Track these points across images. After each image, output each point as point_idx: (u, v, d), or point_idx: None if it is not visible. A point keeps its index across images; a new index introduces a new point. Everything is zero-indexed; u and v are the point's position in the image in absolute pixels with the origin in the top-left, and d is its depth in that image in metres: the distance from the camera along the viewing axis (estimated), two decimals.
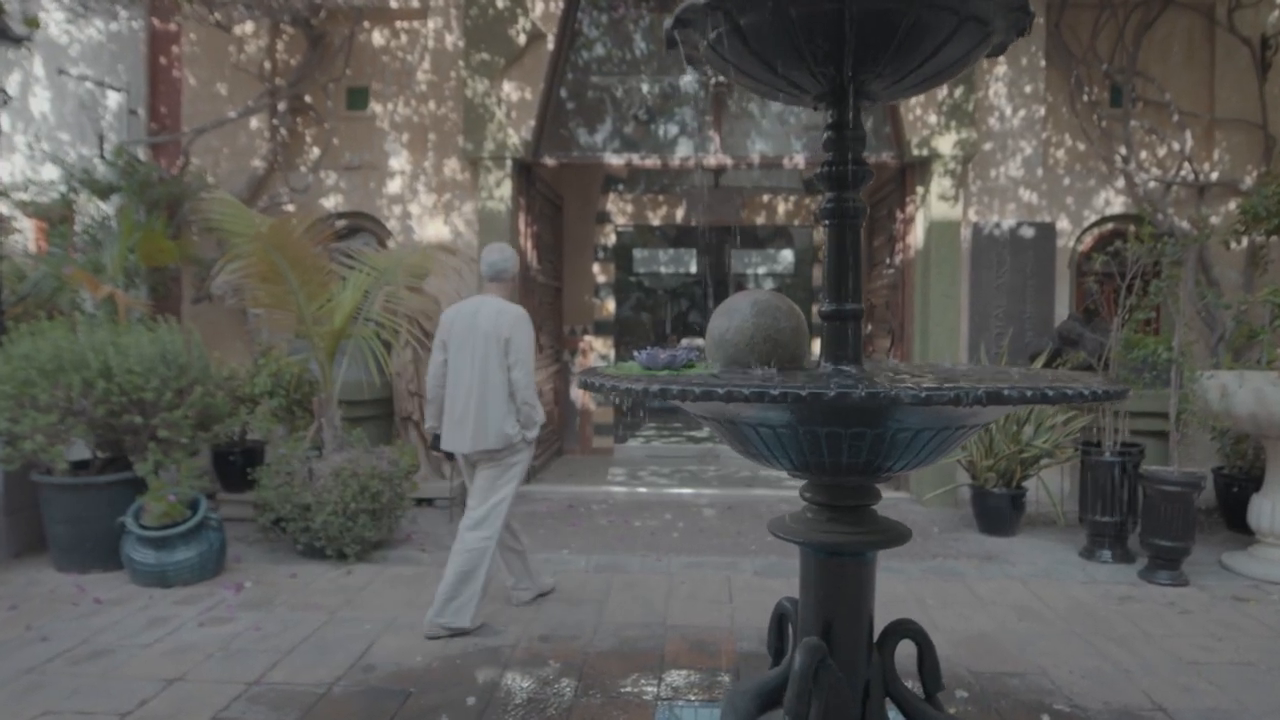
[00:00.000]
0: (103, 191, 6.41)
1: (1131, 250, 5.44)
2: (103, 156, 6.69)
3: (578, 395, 9.49)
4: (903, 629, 2.23)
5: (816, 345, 4.39)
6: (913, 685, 2.33)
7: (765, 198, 9.88)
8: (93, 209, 6.61)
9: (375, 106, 7.25)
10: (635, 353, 2.10)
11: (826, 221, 2.16)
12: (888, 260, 7.66)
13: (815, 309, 8.80)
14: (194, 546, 4.89)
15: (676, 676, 3.67)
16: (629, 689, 3.53)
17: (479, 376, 4.17)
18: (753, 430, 1.91)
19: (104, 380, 4.85)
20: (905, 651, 2.30)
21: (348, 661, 3.81)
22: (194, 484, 5.02)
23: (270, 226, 4.68)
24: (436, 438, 4.40)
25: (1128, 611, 4.55)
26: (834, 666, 2.04)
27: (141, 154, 7.09)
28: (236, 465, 6.14)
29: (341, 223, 7.31)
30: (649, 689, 3.53)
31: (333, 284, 5.52)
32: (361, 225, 7.33)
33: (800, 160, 7.13)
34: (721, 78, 6.57)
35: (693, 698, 3.47)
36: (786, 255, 10.44)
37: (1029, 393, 1.60)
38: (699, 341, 2.47)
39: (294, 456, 5.25)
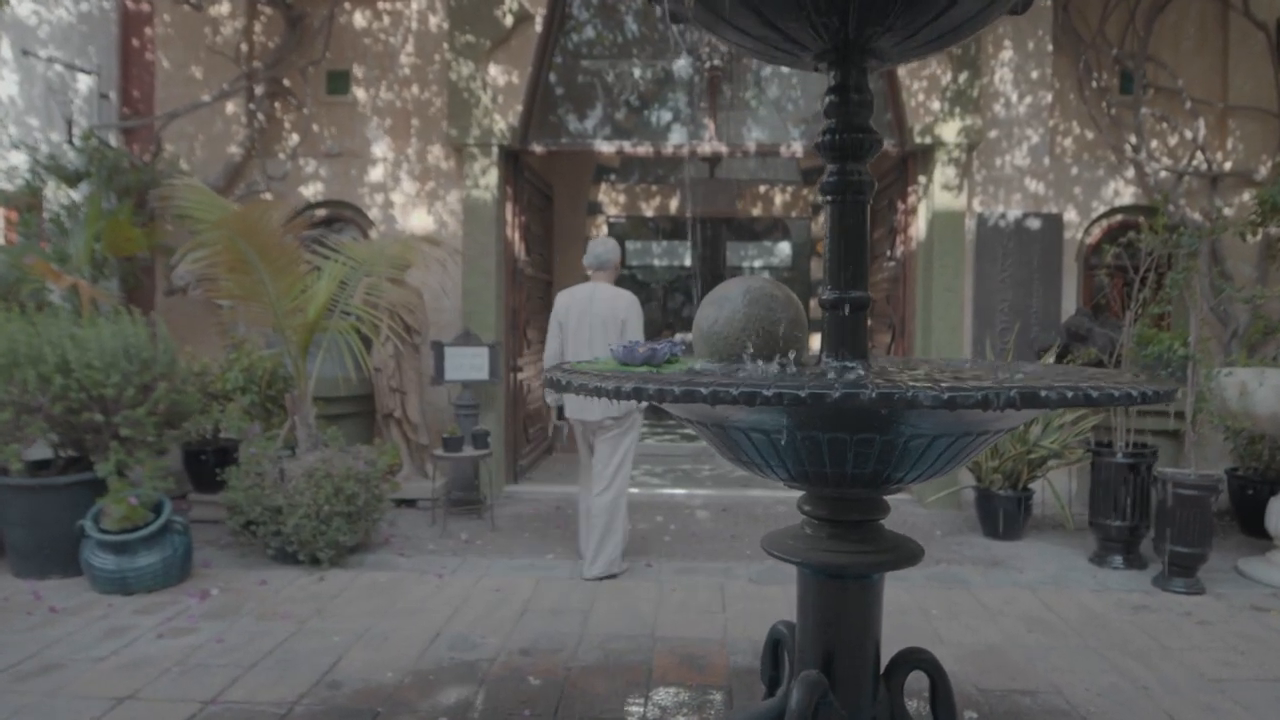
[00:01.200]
0: (70, 178, 6.13)
1: (1145, 242, 5.19)
2: (70, 142, 6.41)
3: None
4: (913, 659, 1.97)
5: (815, 340, 4.14)
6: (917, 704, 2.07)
7: (762, 189, 9.62)
8: (63, 197, 6.33)
9: (357, 91, 6.97)
10: (611, 347, 1.84)
11: (828, 198, 1.90)
12: (888, 253, 7.40)
13: (814, 302, 8.56)
14: (157, 551, 4.63)
15: (665, 695, 3.41)
16: (613, 709, 3.28)
17: (599, 353, 4.66)
18: (743, 435, 1.66)
19: (61, 376, 4.58)
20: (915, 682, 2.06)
21: (313, 678, 3.55)
22: (158, 485, 4.75)
23: (235, 213, 4.41)
24: (560, 409, 5.09)
25: (1143, 622, 4.31)
26: (835, 704, 1.79)
27: (113, 140, 6.82)
28: (209, 464, 5.87)
29: (321, 212, 7.04)
30: (635, 709, 3.28)
31: (308, 275, 5.25)
32: (342, 215, 7.06)
33: (798, 149, 6.87)
34: (716, 62, 6.30)
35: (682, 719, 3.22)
36: (784, 248, 10.19)
37: (1069, 394, 1.34)
38: (689, 337, 2.22)
39: (265, 456, 4.99)
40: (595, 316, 4.87)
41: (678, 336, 7.46)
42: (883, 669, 1.99)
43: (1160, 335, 5.12)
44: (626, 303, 4.94)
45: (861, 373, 1.69)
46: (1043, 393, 1.32)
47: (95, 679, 3.51)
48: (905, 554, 1.85)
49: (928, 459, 1.63)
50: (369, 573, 4.96)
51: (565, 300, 5.03)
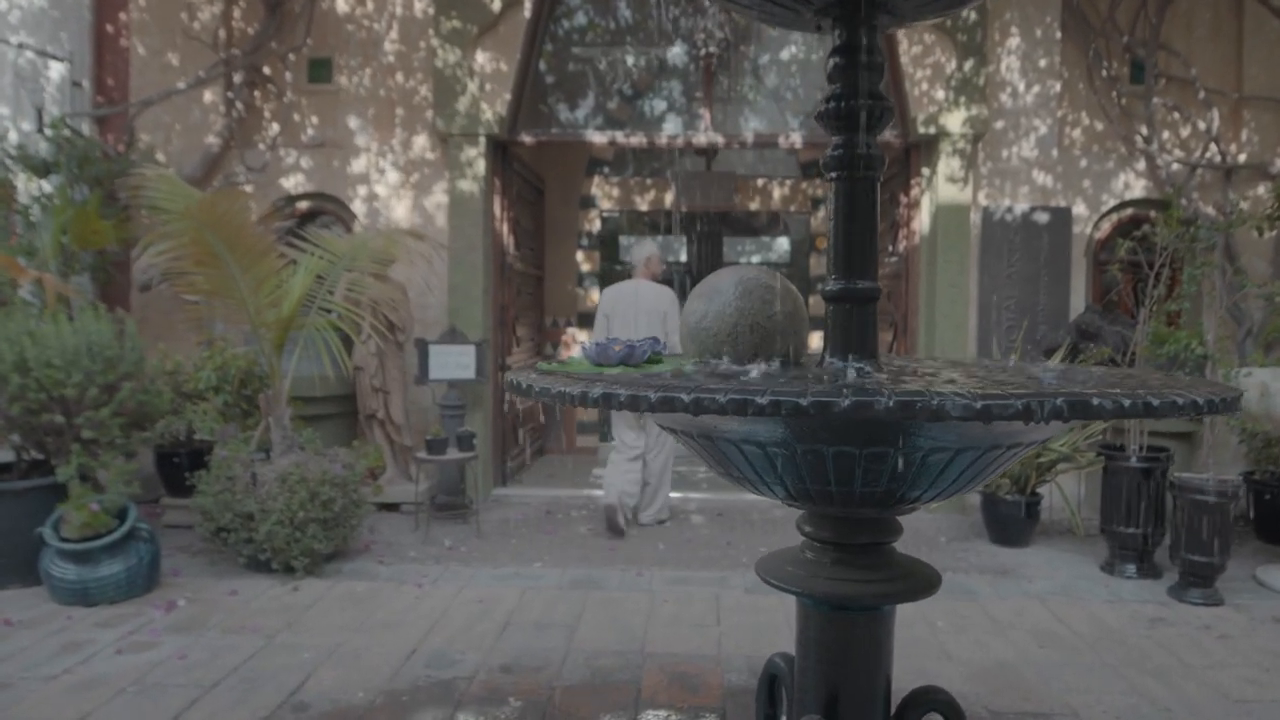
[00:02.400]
0: (39, 169, 5.88)
1: (1160, 237, 4.95)
2: (41, 131, 6.16)
3: None
4: (928, 699, 1.73)
5: (814, 339, 3.89)
6: None
7: (760, 182, 9.37)
8: (34, 188, 6.08)
9: (339, 79, 6.72)
10: (583, 345, 1.60)
11: (833, 175, 1.66)
12: (890, 247, 7.16)
13: (813, 299, 8.32)
14: (120, 560, 4.38)
15: (654, 718, 3.18)
16: None
17: None
18: (734, 448, 1.42)
19: (19, 375, 4.34)
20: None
21: (278, 699, 3.31)
22: (123, 490, 4.51)
23: (202, 202, 4.16)
24: None
25: (1160, 636, 4.08)
26: None
27: (86, 129, 6.56)
28: (182, 467, 5.63)
29: (303, 205, 6.79)
30: None
31: (284, 269, 5.00)
32: (324, 208, 6.82)
33: (797, 139, 6.63)
34: (712, 49, 6.05)
35: None
36: (782, 243, 9.94)
37: (1126, 403, 1.10)
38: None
39: (236, 460, 4.75)
40: (639, 309, 5.64)
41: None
42: (893, 710, 1.75)
43: (1177, 334, 4.88)
44: (668, 297, 5.74)
45: (871, 375, 1.45)
46: (1095, 401, 1.08)
47: (43, 700, 3.28)
48: (920, 582, 1.62)
49: (949, 476, 1.40)
50: (346, 582, 4.72)
51: (612, 295, 5.81)
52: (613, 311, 5.71)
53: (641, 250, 5.89)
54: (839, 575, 1.59)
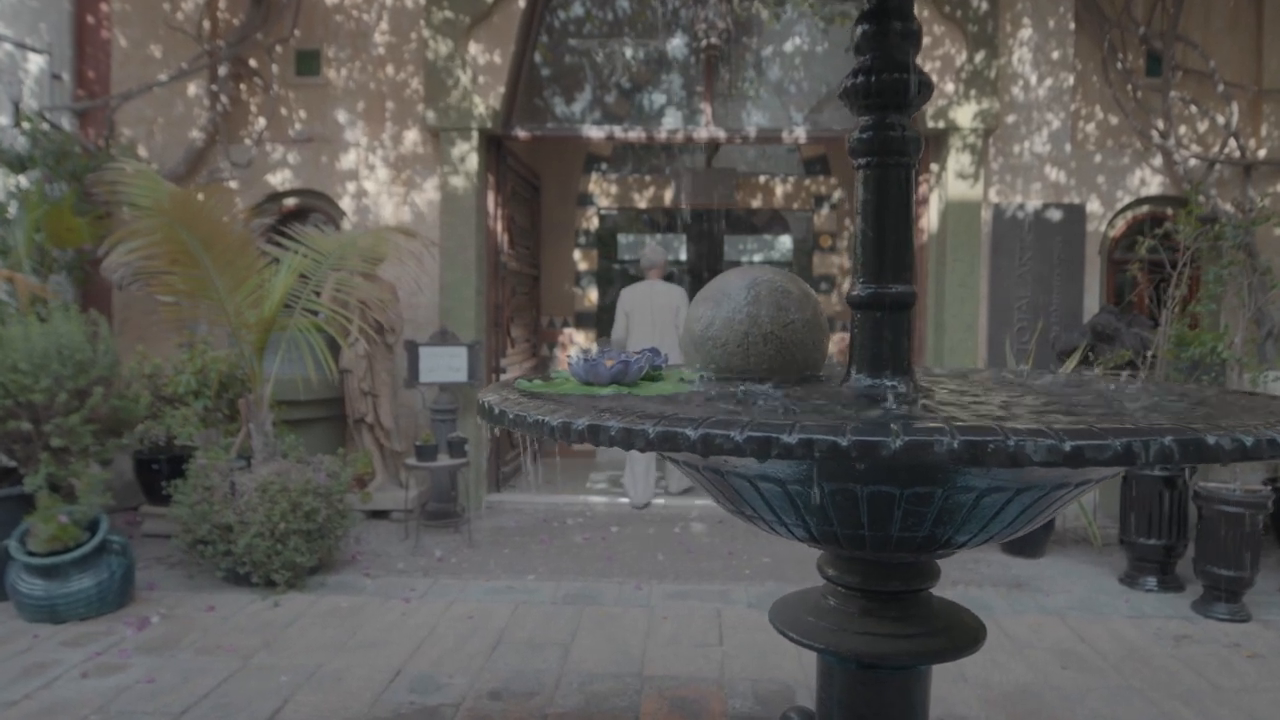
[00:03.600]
0: (14, 165, 5.65)
1: (1183, 234, 4.73)
2: (18, 125, 5.93)
3: None
4: None
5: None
6: None
7: (761, 179, 9.14)
8: (10, 185, 5.85)
9: (327, 72, 6.49)
10: (570, 359, 1.38)
11: (861, 161, 1.44)
12: None
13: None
14: (91, 575, 4.16)
15: None
16: None
17: (659, 335, 6.12)
18: (748, 485, 1.20)
19: None
20: None
21: None
22: (94, 500, 4.28)
23: (174, 197, 3.93)
24: None
25: (1188, 656, 3.86)
26: None
27: (66, 123, 6.33)
28: (162, 474, 5.40)
29: (291, 202, 6.57)
30: None
31: (265, 268, 4.78)
32: (312, 205, 6.59)
33: (801, 134, 6.40)
34: (713, 40, 5.82)
35: None
36: (784, 241, 9.72)
37: (1249, 441, 0.88)
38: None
39: (214, 468, 4.52)
40: (656, 307, 6.33)
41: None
42: None
43: (1202, 335, 4.66)
44: (680, 295, 6.44)
45: (911, 397, 1.22)
46: (1211, 440, 0.87)
47: None
48: (963, 637, 1.39)
49: (1005, 518, 1.18)
50: (329, 597, 4.49)
51: (630, 295, 6.50)
52: (632, 309, 6.41)
53: (652, 254, 6.61)
54: (868, 629, 1.37)
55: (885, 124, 1.41)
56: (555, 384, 1.38)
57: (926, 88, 1.42)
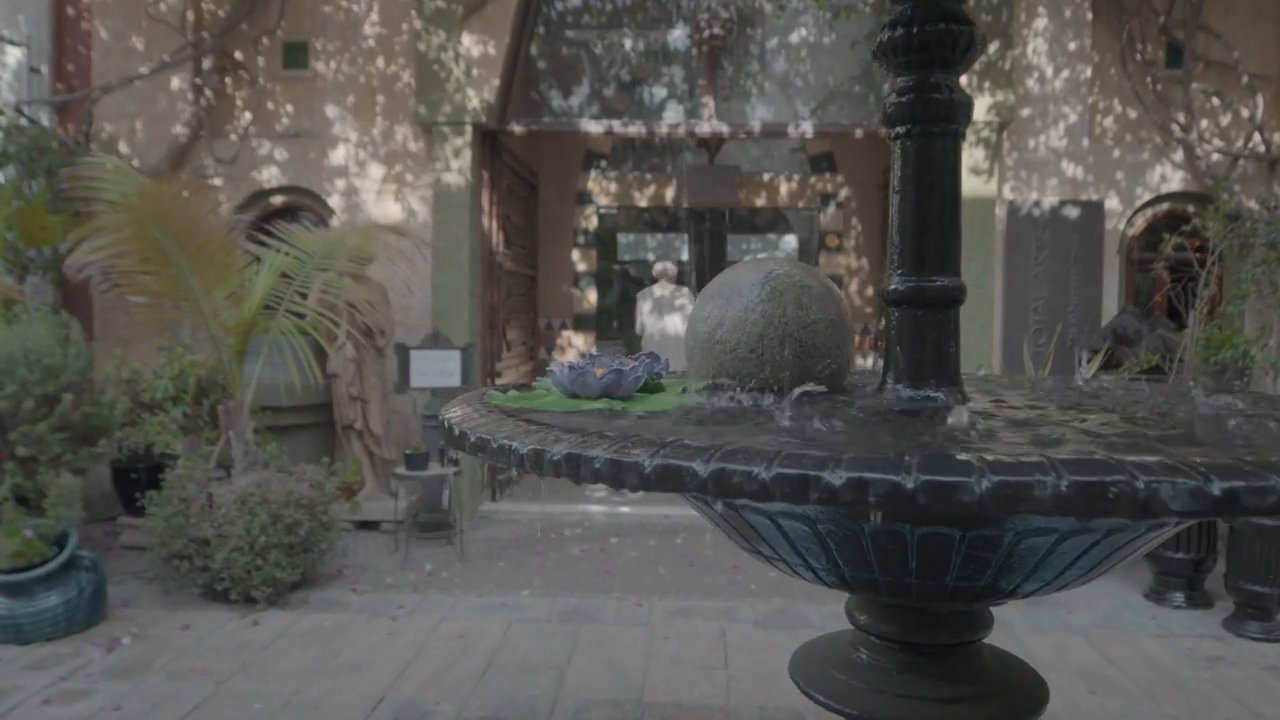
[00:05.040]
0: None
1: (1211, 231, 4.49)
2: None
3: None
4: None
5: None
6: None
7: (765, 176, 8.90)
8: None
9: (316, 65, 6.26)
10: (552, 368, 1.14)
11: (900, 129, 1.21)
12: None
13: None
14: (58, 592, 3.93)
15: None
16: None
17: (673, 335, 7.16)
18: (768, 522, 0.97)
19: None
20: None
21: None
22: (62, 513, 4.05)
23: (143, 192, 3.70)
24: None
25: (1222, 679, 3.62)
26: None
27: (45, 118, 6.10)
28: (141, 484, 5.17)
29: (278, 199, 6.34)
30: None
31: (246, 267, 4.55)
32: (302, 203, 6.35)
33: (808, 129, 6.16)
34: (715, 30, 5.59)
35: None
36: (789, 241, 9.49)
37: None
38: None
39: (191, 479, 4.29)
40: (670, 306, 7.43)
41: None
42: None
43: (1234, 337, 4.41)
44: (685, 292, 7.62)
45: (967, 415, 0.99)
46: None
47: None
48: (1020, 702, 1.16)
49: (1085, 563, 0.95)
50: (312, 614, 4.26)
51: (647, 295, 7.63)
52: (649, 309, 7.45)
53: (659, 265, 7.69)
54: (909, 690, 1.14)
55: (929, 84, 1.18)
56: (535, 396, 1.15)
57: (977, 44, 1.19)
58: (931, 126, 1.18)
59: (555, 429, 0.85)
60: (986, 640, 1.19)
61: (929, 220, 1.19)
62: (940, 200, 1.19)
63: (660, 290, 7.60)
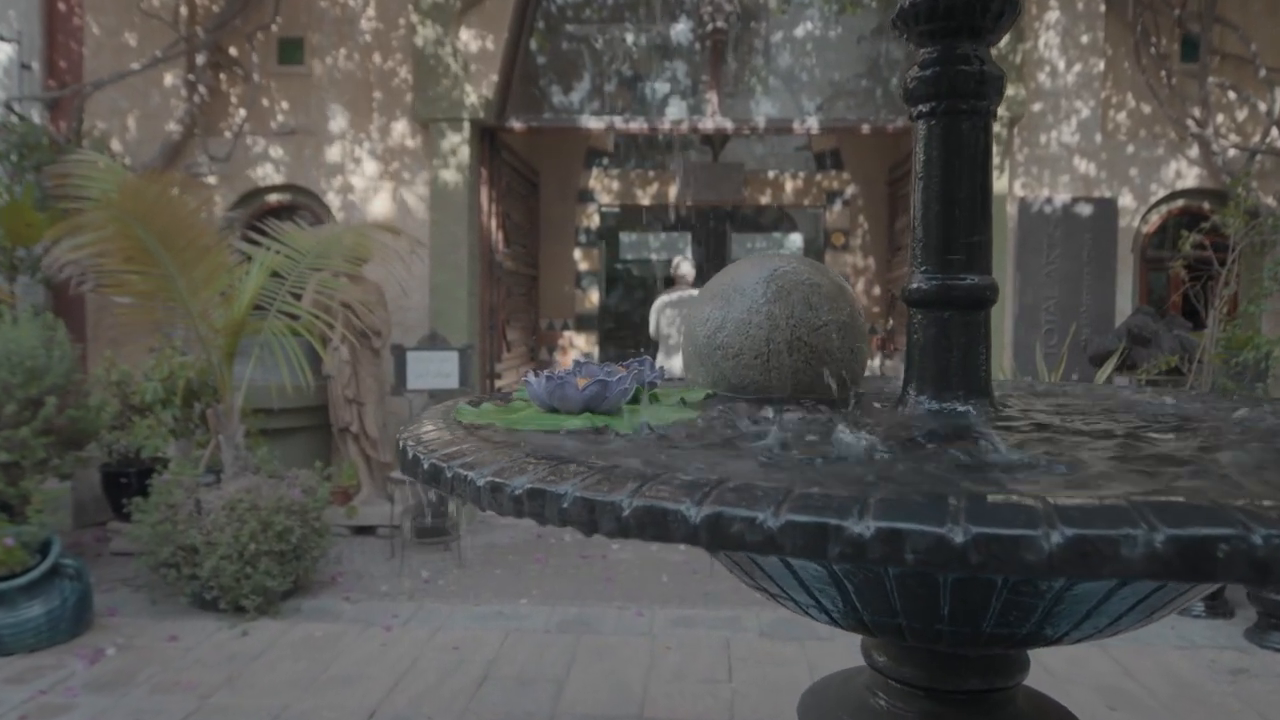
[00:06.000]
0: None
1: (1232, 228, 4.34)
2: None
3: None
4: None
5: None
6: None
7: (770, 174, 8.76)
8: None
9: (311, 61, 6.13)
10: (528, 378, 1.01)
11: (924, 108, 1.07)
12: None
13: None
14: (41, 602, 3.81)
15: None
16: None
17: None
18: (779, 562, 0.83)
19: None
20: None
21: None
22: (45, 521, 3.93)
23: (124, 189, 3.57)
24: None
25: (1248, 694, 3.48)
26: None
27: (37, 115, 5.99)
28: (131, 488, 5.05)
29: (273, 198, 6.22)
30: None
31: (237, 267, 4.43)
32: (298, 201, 6.24)
33: (813, 124, 6.02)
34: (719, 23, 5.45)
35: None
36: (794, 239, 9.34)
37: None
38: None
39: (179, 484, 4.17)
40: (682, 307, 6.77)
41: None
42: None
43: (1257, 338, 4.26)
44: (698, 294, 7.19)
45: (999, 442, 0.85)
46: None
47: None
48: None
49: (1144, 609, 0.82)
50: (304, 624, 4.13)
51: (663, 302, 6.90)
52: (662, 313, 6.80)
53: (678, 268, 7.19)
54: None
55: (955, 56, 1.04)
56: (509, 410, 1.02)
57: (1013, 7, 1.05)
58: (959, 103, 1.05)
59: (522, 454, 0.72)
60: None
61: (956, 211, 1.05)
62: (969, 187, 1.05)
63: (679, 294, 7.10)
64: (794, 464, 0.75)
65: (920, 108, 1.07)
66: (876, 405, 1.16)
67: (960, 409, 1.03)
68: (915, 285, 1.08)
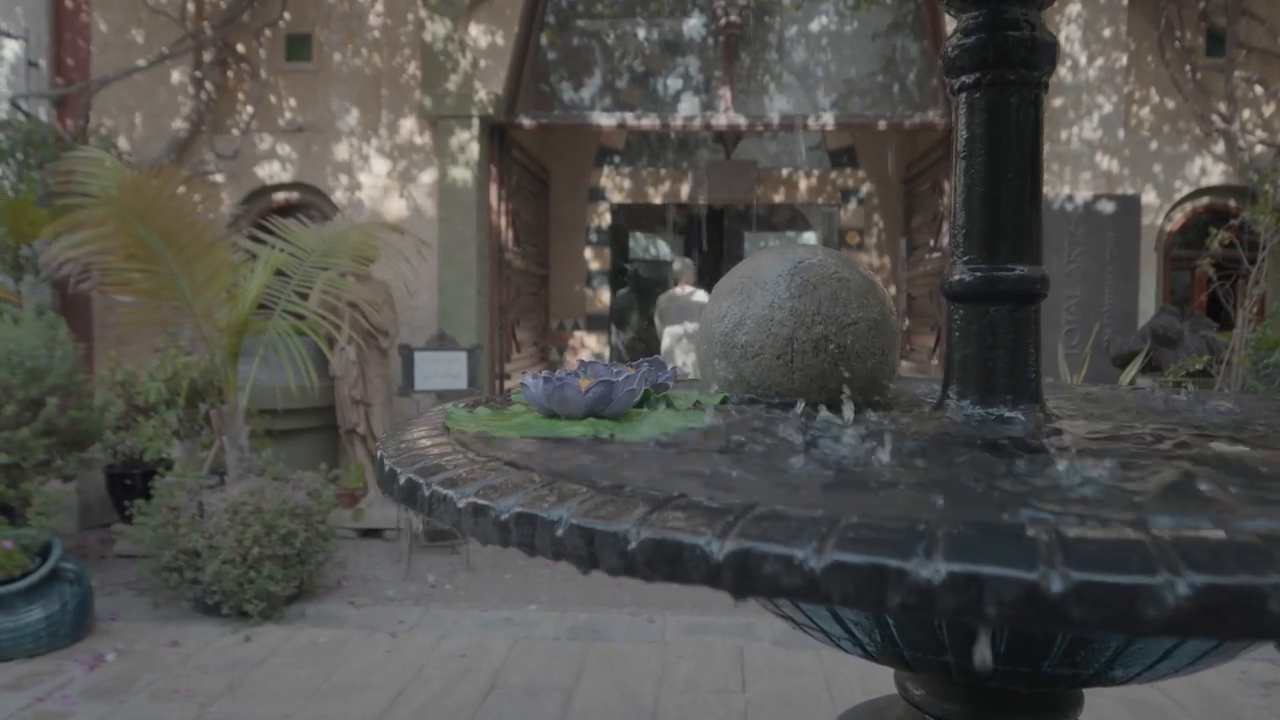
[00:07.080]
0: None
1: (1263, 226, 4.20)
2: None
3: None
4: None
5: None
6: None
7: (784, 172, 8.64)
8: None
9: (319, 57, 6.06)
10: (525, 380, 0.91)
11: (967, 79, 0.97)
12: (932, 242, 6.42)
13: None
14: (40, 606, 3.73)
15: None
16: None
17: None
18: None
19: None
20: None
21: None
22: (45, 524, 3.86)
23: (122, 185, 3.50)
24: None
25: None
26: None
27: (43, 113, 5.94)
28: (136, 490, 4.98)
29: (280, 196, 6.15)
30: None
31: (241, 265, 4.35)
32: (306, 200, 6.16)
33: (828, 120, 5.91)
34: (733, 18, 5.35)
35: None
36: (808, 238, 9.23)
37: None
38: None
39: (181, 487, 4.09)
40: (692, 307, 6.81)
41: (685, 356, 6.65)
42: None
43: None
44: (701, 292, 6.96)
45: (1071, 456, 0.74)
46: None
47: None
48: None
49: (1221, 653, 0.70)
50: (308, 629, 4.05)
51: (668, 299, 7.09)
52: (668, 308, 6.93)
53: (680, 266, 7.30)
54: None
55: (1003, 20, 0.93)
56: (506, 416, 0.92)
57: None
58: (1007, 73, 0.94)
59: (514, 469, 0.62)
60: None
61: (1003, 194, 0.94)
62: (1018, 167, 0.94)
63: (683, 290, 7.18)
64: (834, 482, 0.65)
65: (963, 79, 0.96)
66: (914, 412, 1.05)
67: (1008, 415, 0.92)
68: (956, 277, 0.97)
